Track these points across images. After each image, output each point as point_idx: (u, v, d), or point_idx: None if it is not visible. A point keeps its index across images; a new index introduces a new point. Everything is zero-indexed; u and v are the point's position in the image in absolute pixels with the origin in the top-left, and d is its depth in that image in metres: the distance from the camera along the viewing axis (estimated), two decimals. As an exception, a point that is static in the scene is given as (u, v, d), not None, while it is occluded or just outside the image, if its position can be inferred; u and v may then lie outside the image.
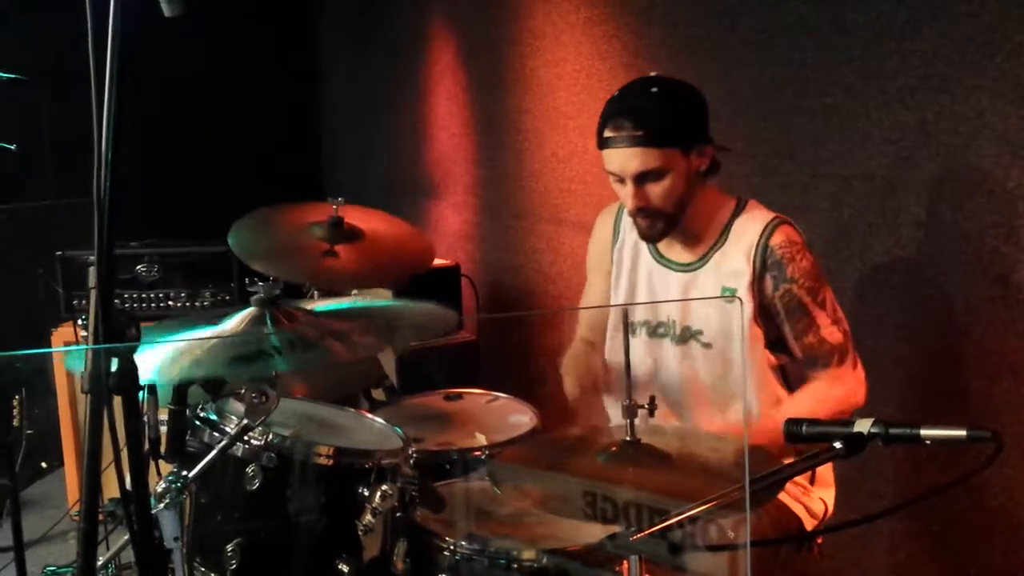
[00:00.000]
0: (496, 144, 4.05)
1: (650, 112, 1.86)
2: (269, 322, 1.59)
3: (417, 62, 4.77)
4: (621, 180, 1.91)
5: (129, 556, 1.30)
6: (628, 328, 1.84)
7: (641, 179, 1.88)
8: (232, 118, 5.45)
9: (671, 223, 1.95)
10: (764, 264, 1.90)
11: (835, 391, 1.93)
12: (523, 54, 3.76)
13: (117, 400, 1.10)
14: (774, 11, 2.51)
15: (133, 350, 1.05)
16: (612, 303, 2.15)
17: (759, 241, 1.91)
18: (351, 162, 5.86)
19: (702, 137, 1.92)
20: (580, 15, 3.38)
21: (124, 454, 1.11)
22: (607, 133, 1.89)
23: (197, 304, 3.50)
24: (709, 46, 2.74)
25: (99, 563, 1.64)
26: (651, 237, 1.99)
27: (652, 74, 1.98)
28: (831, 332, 1.92)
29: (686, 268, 2.00)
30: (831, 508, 2.04)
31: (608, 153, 1.90)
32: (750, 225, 1.94)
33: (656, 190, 1.89)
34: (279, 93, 5.73)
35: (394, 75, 5.10)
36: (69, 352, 2.56)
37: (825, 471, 2.05)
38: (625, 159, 1.87)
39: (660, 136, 1.85)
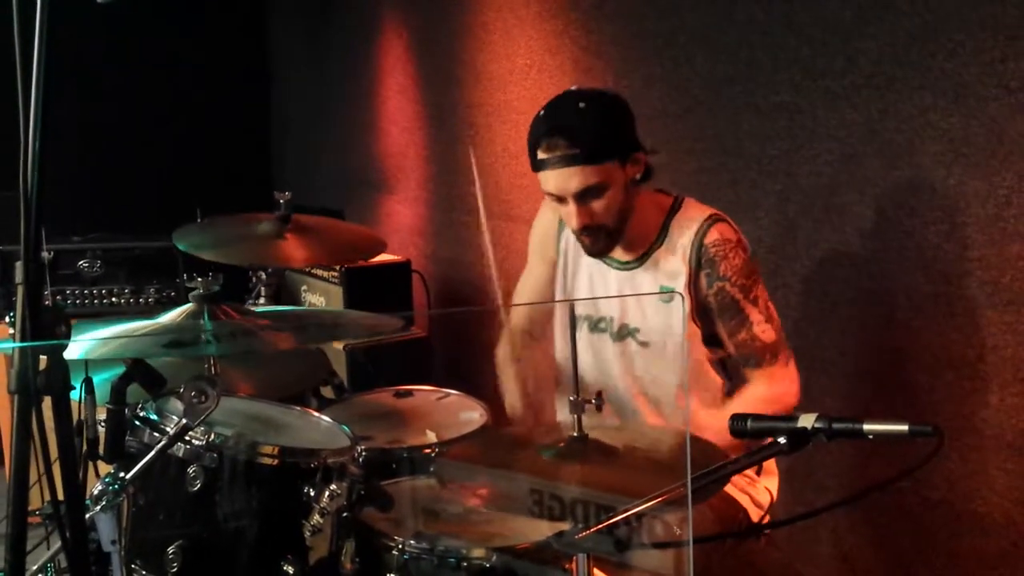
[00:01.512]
0: (447, 139, 4.03)
1: (582, 128, 1.83)
2: (206, 316, 1.56)
3: (368, 56, 4.73)
4: (561, 199, 1.88)
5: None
6: (575, 323, 1.83)
7: (582, 197, 1.85)
8: (181, 113, 5.35)
9: (614, 237, 1.94)
10: (699, 262, 1.92)
11: (769, 391, 1.93)
12: (474, 48, 3.74)
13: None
14: (723, 8, 2.52)
15: (63, 348, 1.02)
16: (555, 294, 2.15)
17: (694, 240, 1.92)
18: (302, 157, 5.79)
19: (635, 146, 1.90)
20: (531, 10, 3.36)
21: (56, 458, 1.07)
22: (541, 155, 1.85)
23: (141, 300, 3.43)
24: (659, 42, 2.75)
25: (35, 567, 1.59)
26: (595, 252, 1.98)
27: (573, 88, 1.97)
28: (764, 330, 1.93)
29: (625, 266, 2.01)
30: (775, 496, 2.06)
31: (545, 175, 1.86)
32: (686, 224, 1.94)
33: (598, 206, 1.87)
34: (228, 87, 5.63)
35: (345, 69, 5.05)
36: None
37: (770, 461, 2.08)
38: (564, 179, 1.84)
39: (597, 152, 1.83)
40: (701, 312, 1.95)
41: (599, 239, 1.93)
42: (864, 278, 2.23)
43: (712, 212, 1.95)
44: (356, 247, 2.84)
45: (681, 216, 1.96)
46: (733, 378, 2.02)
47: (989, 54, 1.88)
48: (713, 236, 1.91)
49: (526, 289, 2.25)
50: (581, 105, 1.86)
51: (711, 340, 1.98)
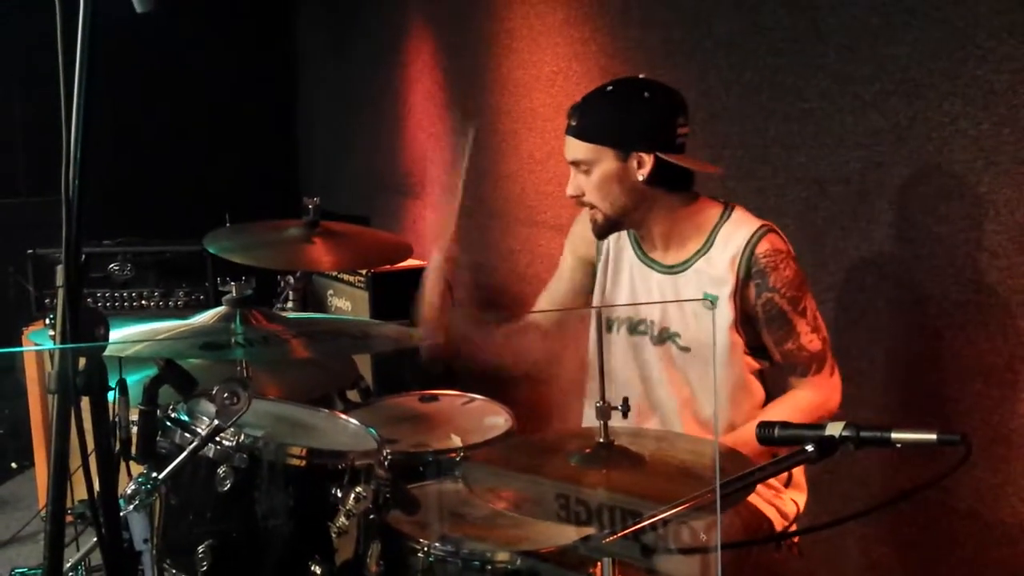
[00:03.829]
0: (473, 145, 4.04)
1: (588, 108, 1.94)
2: (238, 320, 1.57)
3: (395, 61, 4.76)
4: None
5: (99, 558, 1.29)
6: (602, 327, 1.83)
7: (575, 166, 1.96)
8: (208, 116, 5.41)
9: (610, 222, 1.98)
10: (748, 272, 1.91)
11: (811, 399, 1.94)
12: (500, 54, 3.76)
13: (87, 401, 1.08)
14: (750, 15, 2.52)
15: (101, 350, 1.04)
16: (595, 296, 2.15)
17: (744, 250, 1.91)
18: (328, 161, 5.83)
19: (644, 145, 1.90)
20: (557, 16, 3.38)
21: (92, 456, 1.09)
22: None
23: (171, 304, 3.46)
24: (685, 49, 2.75)
25: (68, 565, 1.62)
26: (594, 231, 2.03)
27: (641, 76, 2.01)
28: (810, 340, 1.93)
29: (669, 270, 2.00)
30: (802, 509, 2.05)
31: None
32: (736, 233, 1.93)
33: (586, 183, 1.95)
34: (256, 91, 5.69)
35: (372, 74, 5.09)
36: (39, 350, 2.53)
37: (799, 473, 2.07)
38: (566, 145, 1.97)
39: (587, 131, 1.92)
40: (745, 322, 1.94)
41: (595, 216, 1.99)
42: (893, 286, 2.22)
43: (763, 223, 1.95)
44: (382, 252, 2.86)
45: (731, 224, 1.95)
46: (772, 389, 2.01)
47: (1019, 61, 1.87)
48: (764, 247, 1.91)
49: (552, 284, 2.28)
50: (609, 88, 1.96)
51: (755, 351, 1.97)
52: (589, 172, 1.93)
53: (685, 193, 1.98)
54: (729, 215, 1.97)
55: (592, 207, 1.97)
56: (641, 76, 2.00)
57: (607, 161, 1.91)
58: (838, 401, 1.97)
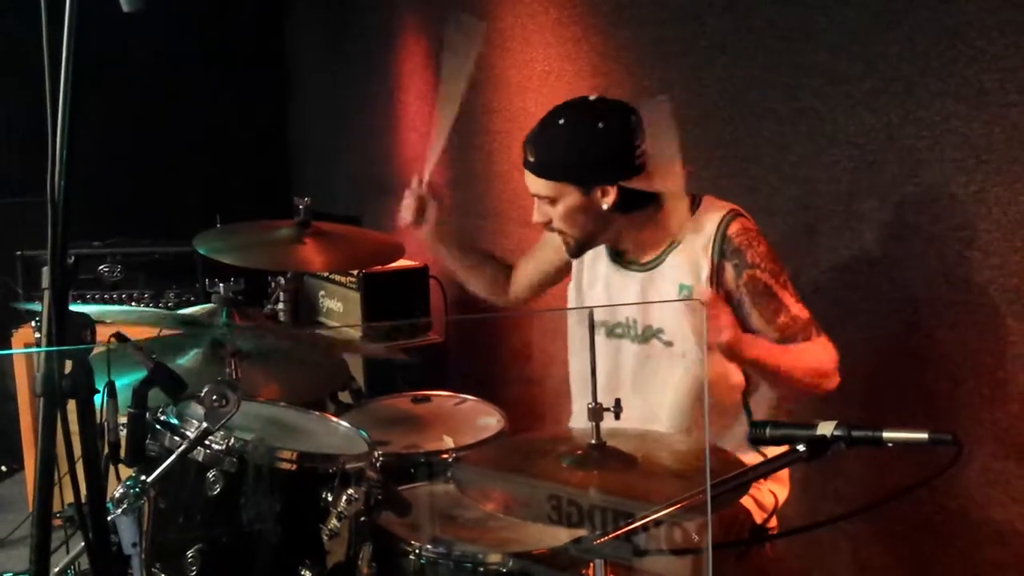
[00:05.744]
0: (465, 144, 4.03)
1: (544, 145, 1.93)
2: (224, 314, 1.56)
3: (387, 61, 4.75)
4: None
5: (88, 562, 1.28)
6: (593, 328, 1.83)
7: (539, 199, 1.97)
8: (199, 117, 5.39)
9: (581, 245, 2.01)
10: (723, 254, 1.92)
11: (815, 351, 1.91)
12: (492, 55, 3.75)
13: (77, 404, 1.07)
14: (743, 14, 2.52)
15: (88, 352, 1.03)
16: (570, 294, 2.17)
17: (716, 233, 1.93)
18: (320, 162, 5.82)
19: (605, 178, 1.90)
20: (549, 16, 3.37)
21: (80, 458, 1.08)
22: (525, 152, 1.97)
23: (161, 305, 3.45)
24: (677, 48, 2.75)
25: (56, 570, 1.61)
26: (567, 253, 2.05)
27: (592, 97, 1.99)
28: (799, 309, 1.93)
29: (643, 267, 2.02)
30: (780, 502, 2.05)
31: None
32: (705, 219, 1.95)
33: (552, 213, 1.96)
34: (248, 92, 5.67)
35: (364, 74, 5.08)
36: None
37: (779, 466, 2.06)
38: (527, 179, 1.98)
39: (546, 169, 1.93)
40: (727, 304, 1.93)
41: (566, 240, 2.01)
42: (884, 285, 2.22)
43: (731, 207, 1.97)
44: (374, 253, 2.86)
45: (701, 212, 1.97)
46: (749, 375, 2.01)
47: (1011, 60, 1.87)
48: (735, 228, 1.93)
49: (531, 253, 2.34)
50: (561, 122, 1.93)
51: None
52: (553, 204, 1.94)
53: (653, 204, 1.97)
54: (698, 204, 1.99)
55: (562, 233, 1.99)
56: (592, 98, 1.98)
57: (571, 196, 1.92)
58: (835, 358, 1.92)
